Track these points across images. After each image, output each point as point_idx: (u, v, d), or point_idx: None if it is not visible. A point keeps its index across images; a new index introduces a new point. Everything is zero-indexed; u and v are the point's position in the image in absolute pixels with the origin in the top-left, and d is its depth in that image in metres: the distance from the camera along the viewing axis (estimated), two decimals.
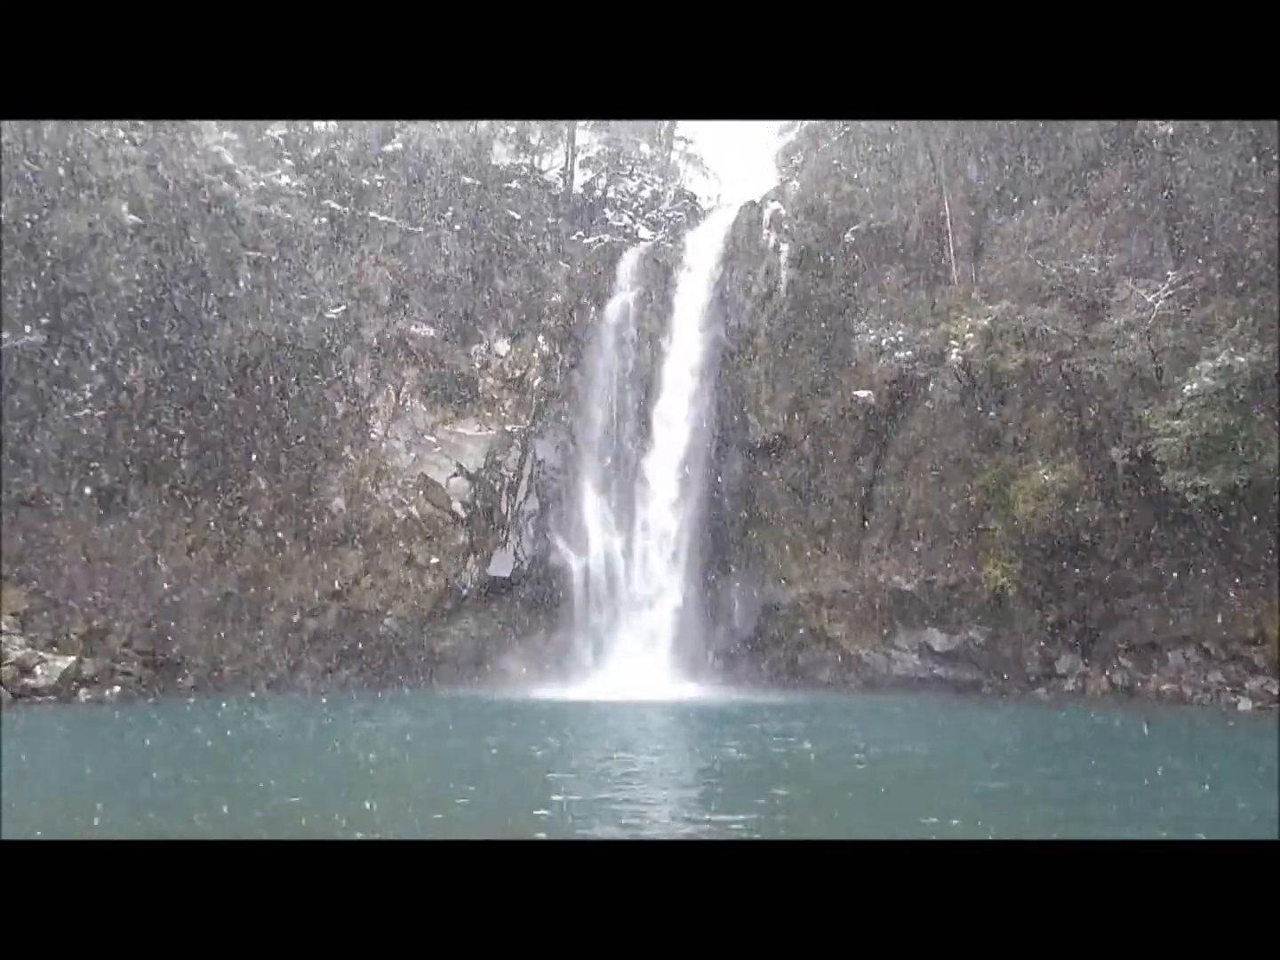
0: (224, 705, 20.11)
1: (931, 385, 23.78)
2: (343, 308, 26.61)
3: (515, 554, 25.64)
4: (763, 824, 9.00)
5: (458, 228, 28.93)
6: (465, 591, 25.17)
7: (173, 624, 23.05)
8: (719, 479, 26.36)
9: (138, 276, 23.36)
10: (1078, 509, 21.14)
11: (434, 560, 25.21)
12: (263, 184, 26.11)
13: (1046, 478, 21.28)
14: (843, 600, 24.07)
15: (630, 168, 34.29)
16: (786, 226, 27.45)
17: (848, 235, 26.08)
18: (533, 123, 31.97)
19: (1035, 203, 24.58)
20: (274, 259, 25.78)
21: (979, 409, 23.38)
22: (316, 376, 26.01)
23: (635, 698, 21.22)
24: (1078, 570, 21.69)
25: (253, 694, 22.11)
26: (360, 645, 24.57)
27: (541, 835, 8.46)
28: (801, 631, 24.59)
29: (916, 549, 23.43)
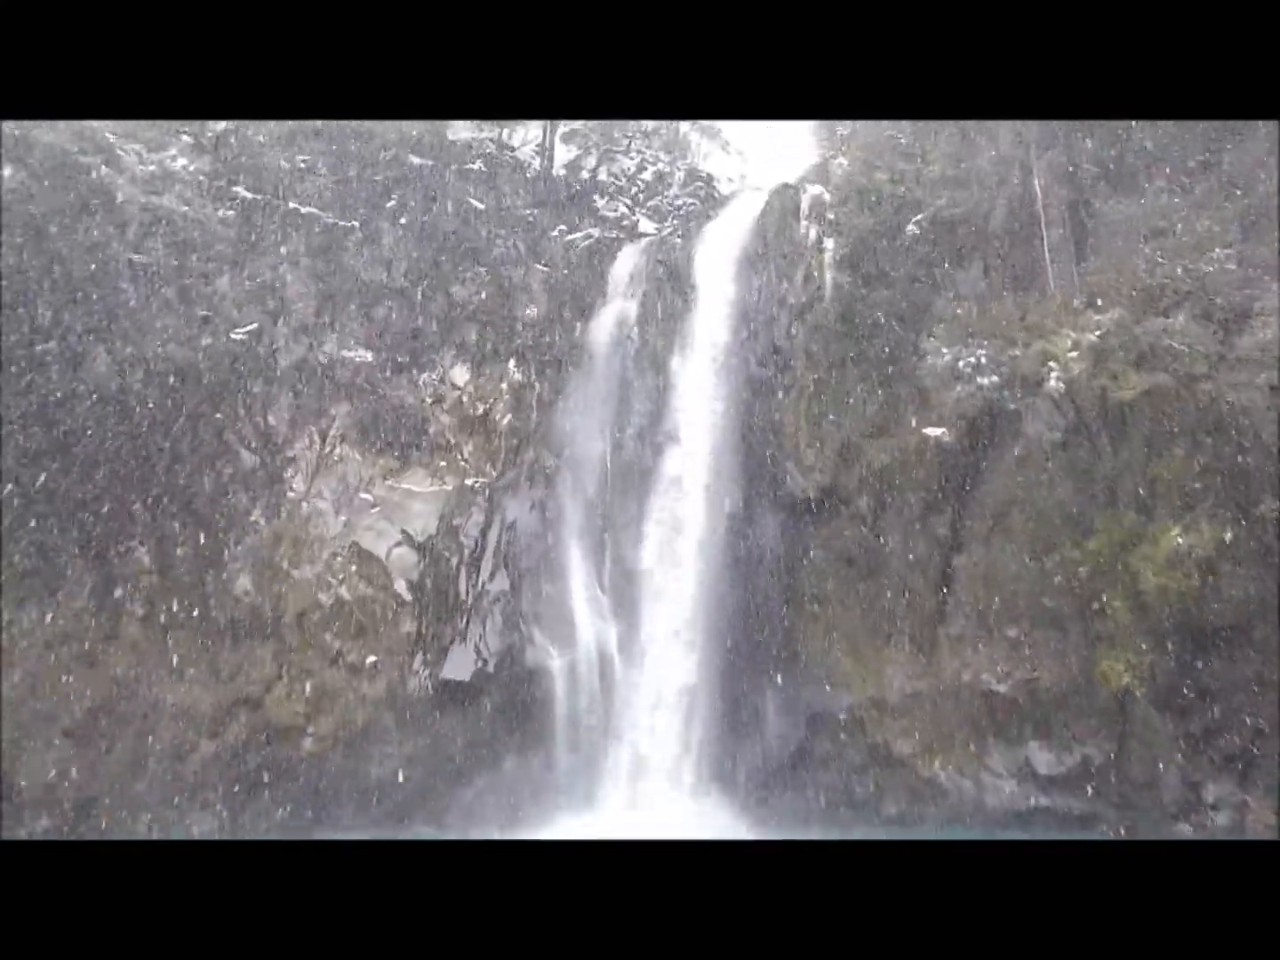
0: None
1: (1025, 420, 24.14)
2: (253, 326, 26.75)
3: (478, 650, 25.51)
4: None
5: (403, 221, 29.23)
6: (412, 700, 25.09)
7: (24, 747, 23.03)
8: (748, 547, 26.37)
9: None
10: (1223, 581, 21.30)
11: (370, 659, 25.15)
12: (152, 168, 26.43)
13: (1180, 540, 21.37)
14: (915, 707, 24.01)
15: (627, 142, 35.01)
16: (831, 215, 27.94)
17: (910, 226, 26.84)
18: None
19: (1153, 184, 25.14)
20: (165, 263, 26.28)
21: (1088, 451, 23.62)
22: (217, 416, 26.05)
23: (637, 839, 21.04)
24: (1227, 664, 21.65)
25: (136, 834, 21.88)
26: (273, 772, 24.42)
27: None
28: (860, 749, 24.38)
29: (1011, 637, 23.42)
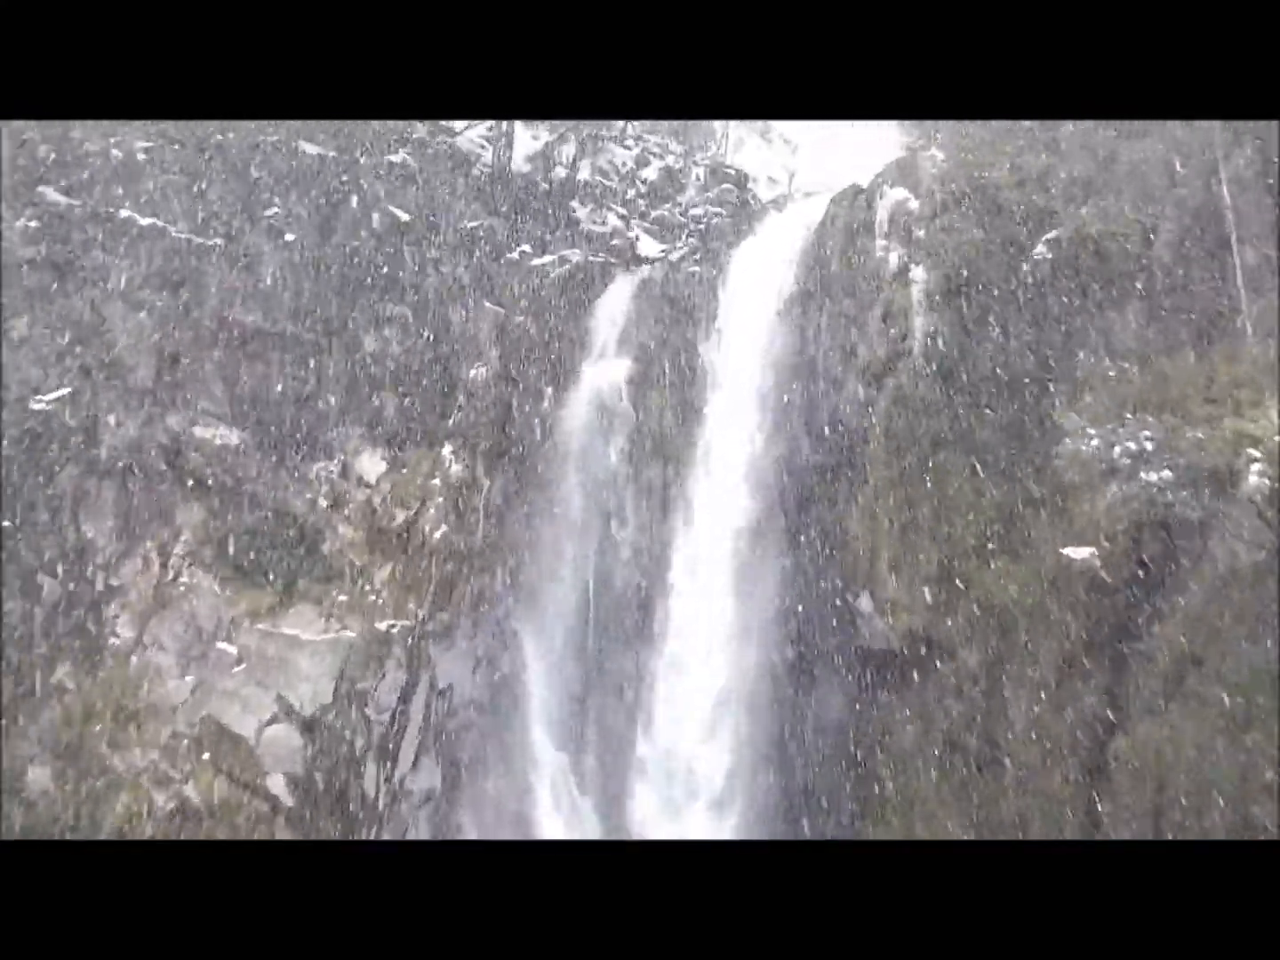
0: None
1: (1214, 535, 23.24)
2: (66, 390, 26.65)
3: None
4: None
5: (290, 238, 29.34)
6: None
7: None
8: (802, 722, 26.42)
9: None
10: None
11: None
12: None
13: None
14: None
15: (622, 126, 34.96)
16: (922, 232, 28.03)
17: (1039, 248, 26.84)
18: None
19: None
20: None
21: None
22: (6, 524, 25.71)
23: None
24: None
25: None
26: None
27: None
28: None
29: None
